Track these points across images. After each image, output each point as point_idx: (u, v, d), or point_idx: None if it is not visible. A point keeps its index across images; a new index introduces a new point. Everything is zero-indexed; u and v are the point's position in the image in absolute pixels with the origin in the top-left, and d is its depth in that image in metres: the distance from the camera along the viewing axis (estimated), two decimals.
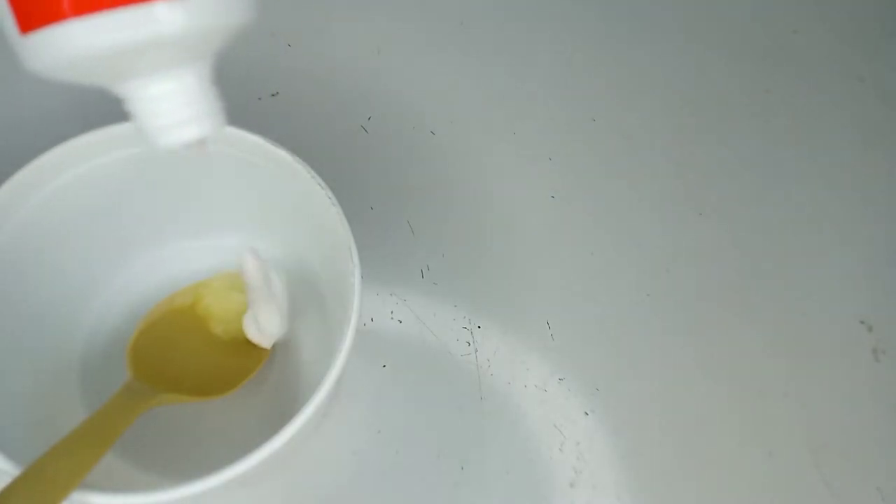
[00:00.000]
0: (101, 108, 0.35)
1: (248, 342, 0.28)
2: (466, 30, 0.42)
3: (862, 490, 0.30)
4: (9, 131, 0.34)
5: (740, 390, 0.32)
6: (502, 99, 0.39)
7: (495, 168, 0.36)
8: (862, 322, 0.34)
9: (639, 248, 0.35)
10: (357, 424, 0.29)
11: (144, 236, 0.29)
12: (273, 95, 0.37)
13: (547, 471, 0.29)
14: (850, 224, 0.37)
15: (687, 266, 0.35)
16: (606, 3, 0.44)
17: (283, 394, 0.28)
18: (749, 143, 0.40)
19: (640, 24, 0.44)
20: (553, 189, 0.36)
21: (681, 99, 0.41)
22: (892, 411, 0.32)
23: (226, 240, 0.30)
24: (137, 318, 0.27)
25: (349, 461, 0.28)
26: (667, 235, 0.35)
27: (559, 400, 0.30)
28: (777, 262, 0.35)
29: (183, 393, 0.25)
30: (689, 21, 0.44)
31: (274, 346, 0.28)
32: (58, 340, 0.27)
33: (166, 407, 0.27)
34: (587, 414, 0.30)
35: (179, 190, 0.28)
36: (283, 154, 0.25)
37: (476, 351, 0.31)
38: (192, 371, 0.26)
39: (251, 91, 0.37)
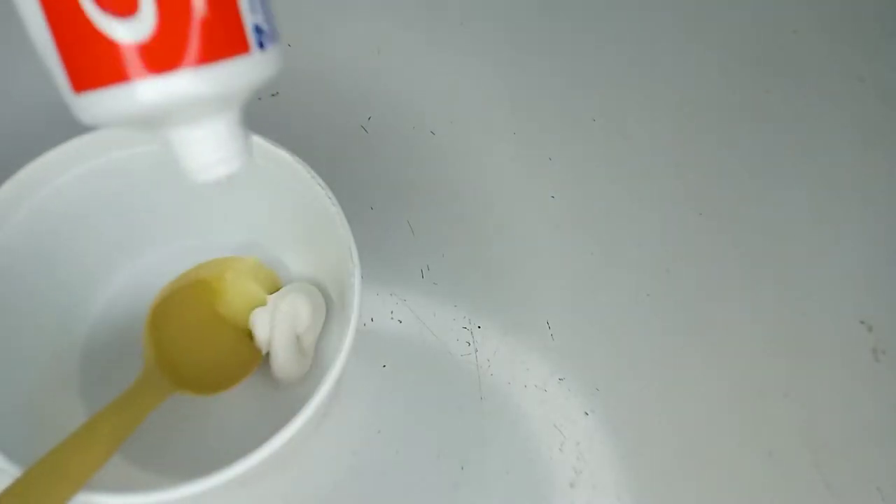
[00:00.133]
0: None
1: (249, 336, 0.28)
2: (466, 30, 0.42)
3: (862, 490, 0.30)
4: (9, 131, 0.34)
5: (740, 390, 0.32)
6: (502, 99, 0.39)
7: (495, 168, 0.36)
8: (862, 322, 0.34)
9: (639, 248, 0.35)
10: (357, 424, 0.29)
11: (145, 236, 0.29)
12: (273, 95, 0.37)
13: (547, 471, 0.29)
14: (850, 224, 0.37)
15: (687, 266, 0.35)
16: (607, 3, 0.44)
17: (283, 393, 0.28)
18: (749, 143, 0.40)
19: (641, 25, 0.44)
20: (553, 189, 0.36)
21: (681, 99, 0.41)
22: (892, 411, 0.32)
23: (226, 239, 0.30)
24: (137, 317, 0.27)
25: (349, 461, 0.28)
26: (667, 235, 0.35)
27: (559, 400, 0.30)
28: (777, 262, 0.35)
29: (189, 386, 0.25)
30: (689, 21, 0.44)
31: None
32: (58, 340, 0.27)
33: (166, 407, 0.27)
34: (587, 414, 0.30)
35: (180, 190, 0.28)
36: (283, 154, 0.25)
37: (476, 351, 0.31)
38: (198, 356, 0.26)
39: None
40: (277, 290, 0.29)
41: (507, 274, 0.33)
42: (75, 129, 0.24)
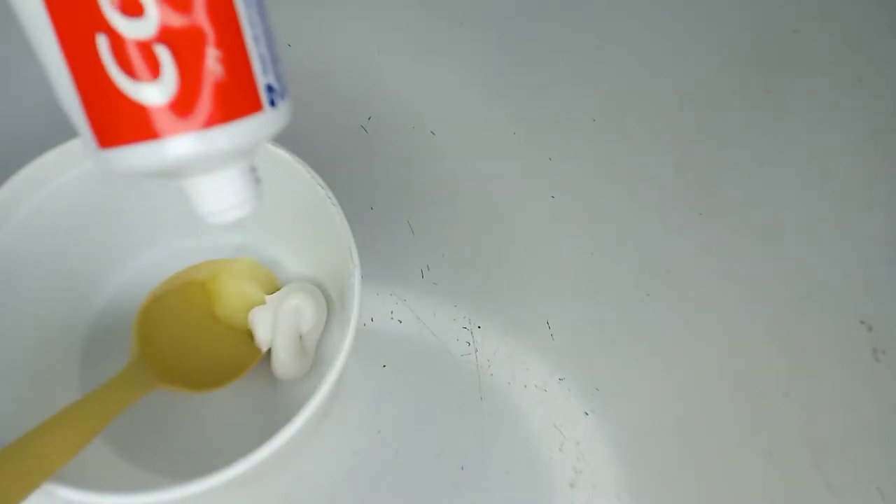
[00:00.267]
0: None
1: (246, 335, 0.28)
2: (466, 30, 0.42)
3: (862, 490, 0.30)
4: (9, 131, 0.34)
5: (740, 390, 0.32)
6: (502, 99, 0.39)
7: (495, 168, 0.36)
8: (862, 322, 0.34)
9: (639, 248, 0.35)
10: (357, 424, 0.29)
11: (145, 235, 0.29)
12: None
13: (547, 471, 0.29)
14: (851, 224, 0.37)
15: (687, 266, 0.35)
16: (607, 4, 0.44)
17: (283, 393, 0.28)
18: (749, 143, 0.40)
19: (641, 25, 0.44)
20: (553, 189, 0.36)
21: (681, 99, 0.41)
22: (892, 411, 0.32)
23: (226, 239, 0.30)
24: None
25: (349, 461, 0.28)
26: (667, 235, 0.35)
27: (559, 400, 0.30)
28: (777, 262, 0.35)
29: (179, 382, 0.25)
30: (690, 21, 0.44)
31: None
32: (58, 340, 0.27)
33: (166, 408, 0.27)
34: (587, 414, 0.30)
35: (179, 190, 0.28)
36: (283, 154, 0.25)
37: (476, 351, 0.31)
38: (191, 354, 0.26)
39: None
40: (276, 289, 0.29)
41: (507, 274, 0.33)
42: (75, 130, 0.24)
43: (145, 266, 0.29)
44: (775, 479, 0.30)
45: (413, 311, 0.31)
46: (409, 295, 0.32)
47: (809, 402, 0.32)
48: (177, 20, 0.14)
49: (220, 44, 0.15)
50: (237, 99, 0.16)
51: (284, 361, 0.27)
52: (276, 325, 0.27)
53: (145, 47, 0.14)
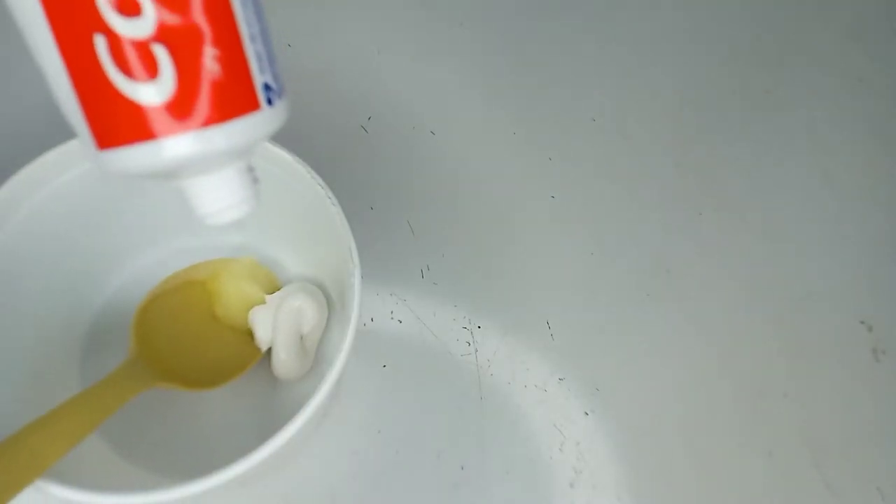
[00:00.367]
0: None
1: (246, 335, 0.28)
2: (466, 30, 0.42)
3: (862, 490, 0.30)
4: (9, 131, 0.34)
5: (740, 390, 0.32)
6: (502, 99, 0.39)
7: (495, 168, 0.36)
8: (862, 322, 0.34)
9: (639, 248, 0.35)
10: (357, 424, 0.29)
11: (145, 235, 0.29)
12: None
13: (547, 471, 0.29)
14: (851, 224, 0.37)
15: (687, 266, 0.35)
16: (607, 3, 0.44)
17: (283, 393, 0.28)
18: (749, 142, 0.40)
19: (641, 25, 0.44)
20: (553, 189, 0.36)
21: (681, 99, 0.41)
22: (892, 411, 0.32)
23: (226, 239, 0.30)
24: None
25: (349, 461, 0.28)
26: (667, 235, 0.35)
27: (559, 400, 0.30)
28: (777, 262, 0.35)
29: (177, 380, 0.25)
30: (689, 21, 0.44)
31: None
32: (58, 340, 0.27)
33: (166, 408, 0.27)
34: (587, 414, 0.30)
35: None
36: (283, 154, 0.25)
37: (476, 351, 0.31)
38: (190, 352, 0.26)
39: None
40: (276, 289, 0.29)
41: (507, 274, 0.33)
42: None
43: (145, 266, 0.29)
44: (775, 479, 0.30)
45: (413, 311, 0.31)
46: (409, 295, 0.32)
47: (809, 402, 0.32)
48: (174, 19, 0.14)
49: (218, 42, 0.15)
50: (234, 98, 0.16)
51: (285, 361, 0.27)
52: (277, 325, 0.27)
53: (143, 47, 0.14)
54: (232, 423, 0.27)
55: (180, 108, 0.15)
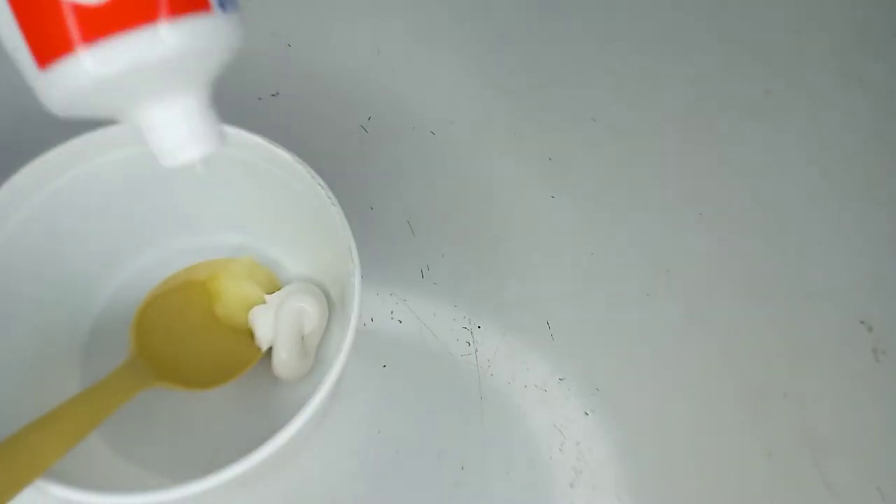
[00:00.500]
0: None
1: (246, 335, 0.28)
2: (466, 30, 0.42)
3: (862, 490, 0.30)
4: (9, 131, 0.34)
5: (740, 390, 0.32)
6: (502, 99, 0.39)
7: (495, 168, 0.36)
8: (862, 322, 0.34)
9: (639, 248, 0.35)
10: (357, 424, 0.29)
11: (144, 236, 0.29)
12: (273, 95, 0.37)
13: (547, 471, 0.29)
14: (850, 224, 0.37)
15: (687, 266, 0.35)
16: (606, 4, 0.44)
17: (283, 393, 0.28)
18: (749, 143, 0.40)
19: (640, 25, 0.44)
20: (553, 189, 0.36)
21: (681, 99, 0.41)
22: (892, 411, 0.32)
23: (226, 239, 0.30)
24: None
25: (349, 461, 0.28)
26: (666, 235, 0.35)
27: (559, 400, 0.30)
28: (777, 263, 0.35)
29: (177, 380, 0.25)
30: (689, 21, 0.44)
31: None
32: (58, 341, 0.27)
33: (166, 408, 0.27)
34: (587, 414, 0.30)
35: (180, 189, 0.28)
36: (283, 154, 0.25)
37: (476, 351, 0.31)
38: (190, 352, 0.26)
39: (251, 91, 0.37)
40: (276, 289, 0.29)
41: (507, 274, 0.33)
42: (75, 129, 0.24)
43: (145, 266, 0.29)
44: (775, 479, 0.30)
45: (413, 311, 0.31)
46: (409, 295, 0.32)
47: (809, 402, 0.32)
48: None
49: None
50: None
51: (286, 362, 0.27)
52: (278, 325, 0.27)
53: None
54: (232, 423, 0.27)
55: (123, 7, 0.14)
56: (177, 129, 0.16)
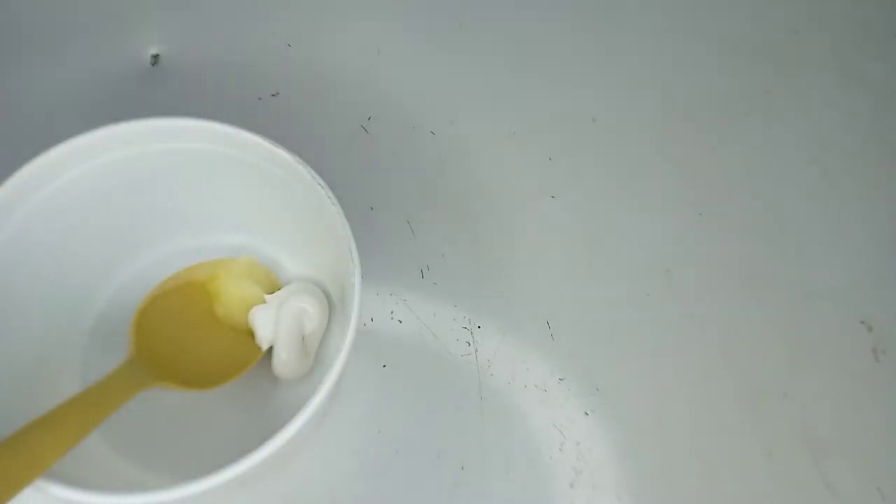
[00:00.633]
0: (100, 109, 0.35)
1: (246, 335, 0.28)
2: (466, 30, 0.42)
3: (862, 490, 0.30)
4: (9, 131, 0.34)
5: (740, 390, 0.32)
6: (502, 99, 0.39)
7: (495, 168, 0.36)
8: (862, 322, 0.34)
9: (639, 248, 0.35)
10: (357, 424, 0.29)
11: (144, 236, 0.29)
12: (273, 95, 0.37)
13: (547, 471, 0.29)
14: (850, 224, 0.37)
15: (687, 266, 0.35)
16: (606, 4, 0.44)
17: (283, 393, 0.28)
18: (749, 143, 0.40)
19: (640, 25, 0.44)
20: (553, 189, 0.36)
21: (681, 99, 0.41)
22: (893, 411, 0.32)
23: (226, 239, 0.30)
24: None
25: (349, 461, 0.28)
26: (666, 235, 0.35)
27: (559, 400, 0.30)
28: (777, 263, 0.35)
29: (177, 380, 0.25)
30: (689, 21, 0.44)
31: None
32: (58, 341, 0.27)
33: (166, 408, 0.27)
34: (587, 414, 0.30)
35: (179, 190, 0.28)
36: (283, 154, 0.25)
37: (476, 351, 0.31)
38: (190, 353, 0.26)
39: (251, 91, 0.37)
40: (276, 289, 0.29)
41: (507, 274, 0.33)
42: (75, 129, 0.24)
43: (145, 266, 0.29)
44: (775, 479, 0.30)
45: (413, 311, 0.31)
46: (409, 295, 0.32)
47: (809, 402, 0.32)
48: None
49: None
50: None
51: (286, 362, 0.27)
52: (279, 324, 0.27)
53: None
54: (232, 423, 0.27)
55: None
56: None
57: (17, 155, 0.23)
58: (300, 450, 0.28)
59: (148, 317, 0.26)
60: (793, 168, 0.39)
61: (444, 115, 0.38)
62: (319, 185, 0.24)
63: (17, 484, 0.18)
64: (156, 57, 0.37)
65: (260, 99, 0.37)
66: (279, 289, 0.29)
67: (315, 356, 0.28)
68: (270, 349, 0.28)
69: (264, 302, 0.28)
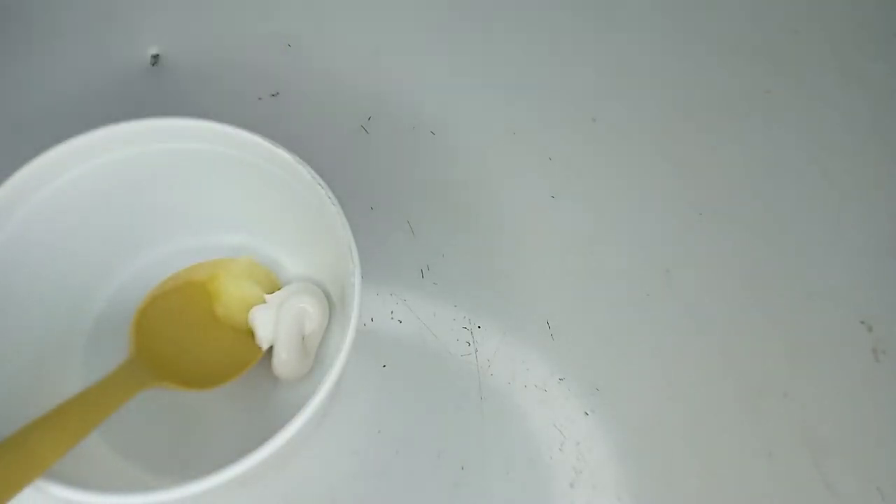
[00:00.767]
0: (100, 109, 0.35)
1: (246, 335, 0.28)
2: (465, 30, 0.42)
3: (862, 490, 0.30)
4: (9, 131, 0.34)
5: (740, 390, 0.32)
6: (502, 99, 0.39)
7: (495, 168, 0.36)
8: (862, 322, 0.34)
9: (639, 248, 0.35)
10: (357, 424, 0.29)
11: (144, 236, 0.29)
12: (273, 95, 0.37)
13: (547, 471, 0.29)
14: (850, 224, 0.37)
15: (687, 266, 0.35)
16: (606, 4, 0.44)
17: (283, 393, 0.28)
18: (749, 143, 0.40)
19: (640, 25, 0.44)
20: (553, 189, 0.36)
21: (681, 99, 0.41)
22: (893, 411, 0.32)
23: (226, 239, 0.30)
24: None
25: (349, 461, 0.28)
26: (667, 235, 0.35)
27: (559, 400, 0.30)
28: (777, 263, 0.35)
29: (177, 381, 0.25)
30: (689, 21, 0.44)
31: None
32: (58, 342, 0.27)
33: (166, 408, 0.27)
34: (587, 414, 0.30)
35: (179, 190, 0.28)
36: (283, 154, 0.25)
37: (476, 351, 0.31)
38: (190, 353, 0.26)
39: (251, 91, 0.37)
40: (276, 289, 0.29)
41: (507, 274, 0.33)
42: (75, 129, 0.24)
43: (145, 266, 0.29)
44: (775, 479, 0.30)
45: (413, 311, 0.31)
46: (409, 295, 0.32)
47: (809, 402, 0.32)
48: None
49: None
50: None
51: (286, 361, 0.27)
52: (279, 324, 0.27)
53: None
54: (232, 423, 0.27)
55: None
56: None
57: (17, 155, 0.23)
58: (300, 450, 0.28)
59: (148, 317, 0.26)
60: (793, 168, 0.39)
61: (444, 115, 0.38)
62: (319, 185, 0.24)
63: (17, 484, 0.18)
64: (156, 57, 0.37)
65: (260, 99, 0.37)
66: (279, 289, 0.29)
67: (315, 356, 0.28)
68: (270, 349, 0.28)
69: (264, 302, 0.28)
